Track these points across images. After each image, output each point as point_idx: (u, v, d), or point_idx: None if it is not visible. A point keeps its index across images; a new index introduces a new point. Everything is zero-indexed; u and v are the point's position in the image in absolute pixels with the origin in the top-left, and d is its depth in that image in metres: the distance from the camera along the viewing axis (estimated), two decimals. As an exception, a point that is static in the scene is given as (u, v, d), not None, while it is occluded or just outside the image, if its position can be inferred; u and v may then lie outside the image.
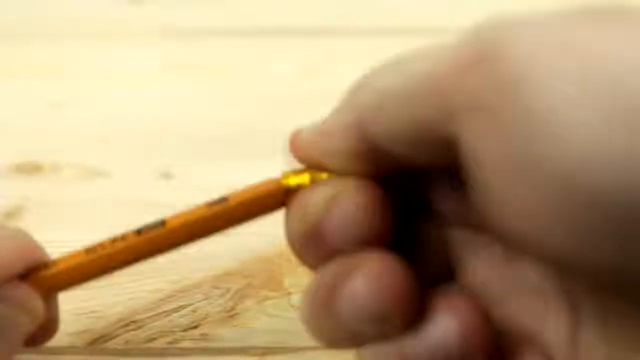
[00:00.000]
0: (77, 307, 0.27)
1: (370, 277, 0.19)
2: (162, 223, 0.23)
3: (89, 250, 0.24)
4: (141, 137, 0.39)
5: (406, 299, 0.19)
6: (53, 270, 0.24)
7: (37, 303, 0.23)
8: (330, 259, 0.20)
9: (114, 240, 0.24)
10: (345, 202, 0.20)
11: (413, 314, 0.19)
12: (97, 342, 0.27)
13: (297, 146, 0.22)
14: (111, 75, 0.45)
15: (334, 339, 0.21)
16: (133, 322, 0.27)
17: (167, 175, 0.36)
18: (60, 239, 0.26)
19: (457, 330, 0.19)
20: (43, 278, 0.24)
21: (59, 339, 0.26)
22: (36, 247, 0.24)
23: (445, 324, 0.19)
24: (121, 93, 0.43)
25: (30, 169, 0.36)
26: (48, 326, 0.25)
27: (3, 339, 0.22)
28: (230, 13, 0.52)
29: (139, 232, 0.23)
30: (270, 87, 0.44)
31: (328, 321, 0.20)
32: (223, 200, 0.23)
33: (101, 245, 0.24)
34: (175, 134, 0.39)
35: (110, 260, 0.24)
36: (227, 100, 0.42)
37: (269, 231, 0.31)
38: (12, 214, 0.33)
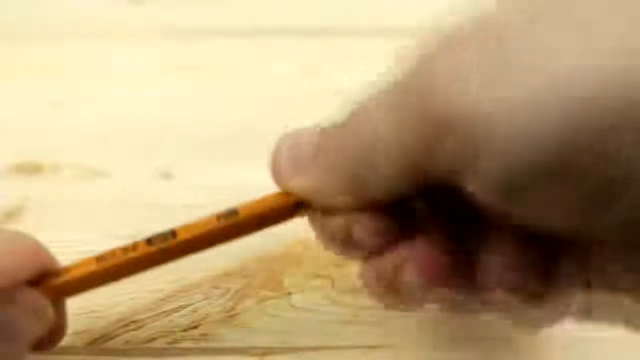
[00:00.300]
0: (77, 307, 0.27)
1: (419, 270, 0.22)
2: (173, 234, 0.24)
3: (100, 259, 0.24)
4: (141, 137, 0.39)
5: (452, 275, 0.22)
6: (64, 277, 0.24)
7: (47, 309, 0.24)
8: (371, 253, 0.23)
9: (125, 250, 0.24)
10: (362, 225, 0.22)
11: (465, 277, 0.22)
12: (97, 342, 0.27)
13: (279, 177, 0.24)
14: (111, 75, 0.45)
15: (405, 307, 0.23)
16: (133, 322, 0.27)
17: (167, 175, 0.36)
18: (60, 239, 0.26)
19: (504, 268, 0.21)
20: (54, 285, 0.24)
21: (59, 339, 0.26)
22: (44, 252, 0.24)
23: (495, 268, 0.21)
24: (121, 93, 0.43)
25: (30, 169, 0.36)
26: (56, 331, 0.25)
27: (13, 343, 0.23)
28: (230, 13, 0.52)
29: (149, 241, 0.24)
30: (270, 87, 0.43)
31: (395, 297, 0.22)
32: (233, 213, 0.24)
33: (112, 254, 0.24)
34: (175, 134, 0.39)
35: (120, 270, 0.24)
36: (227, 100, 0.42)
37: (269, 231, 0.31)
38: (12, 214, 0.33)
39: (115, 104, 0.42)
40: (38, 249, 0.24)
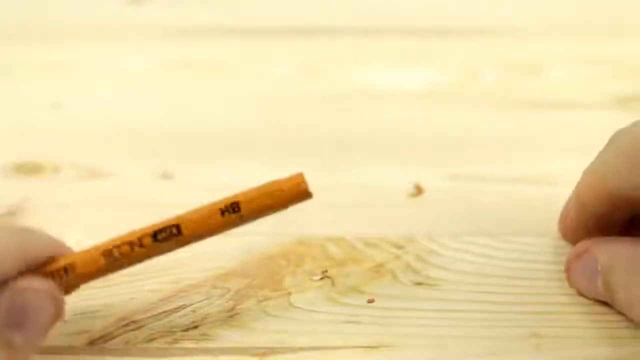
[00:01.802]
0: (77, 307, 0.27)
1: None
2: (177, 229, 0.25)
3: (106, 254, 0.25)
4: (141, 137, 0.39)
5: None
6: (72, 274, 0.25)
7: (62, 298, 0.24)
8: None
9: (131, 244, 0.25)
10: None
11: None
12: (97, 342, 0.27)
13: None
14: (111, 75, 0.45)
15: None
16: (133, 322, 0.27)
17: (167, 175, 0.36)
18: (61, 239, 0.26)
19: None
20: (63, 282, 0.25)
21: (58, 339, 0.26)
22: (33, 242, 0.25)
23: None
24: (121, 93, 0.43)
25: (30, 169, 0.36)
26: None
27: (26, 330, 0.23)
28: (230, 13, 0.52)
29: (154, 236, 0.25)
30: (270, 87, 0.44)
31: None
32: (236, 207, 0.25)
33: (119, 250, 0.25)
34: (175, 134, 0.39)
35: (127, 263, 0.25)
36: (227, 100, 0.42)
37: (270, 231, 0.31)
38: (12, 214, 0.33)
39: (115, 104, 0.42)
40: (22, 244, 0.24)
